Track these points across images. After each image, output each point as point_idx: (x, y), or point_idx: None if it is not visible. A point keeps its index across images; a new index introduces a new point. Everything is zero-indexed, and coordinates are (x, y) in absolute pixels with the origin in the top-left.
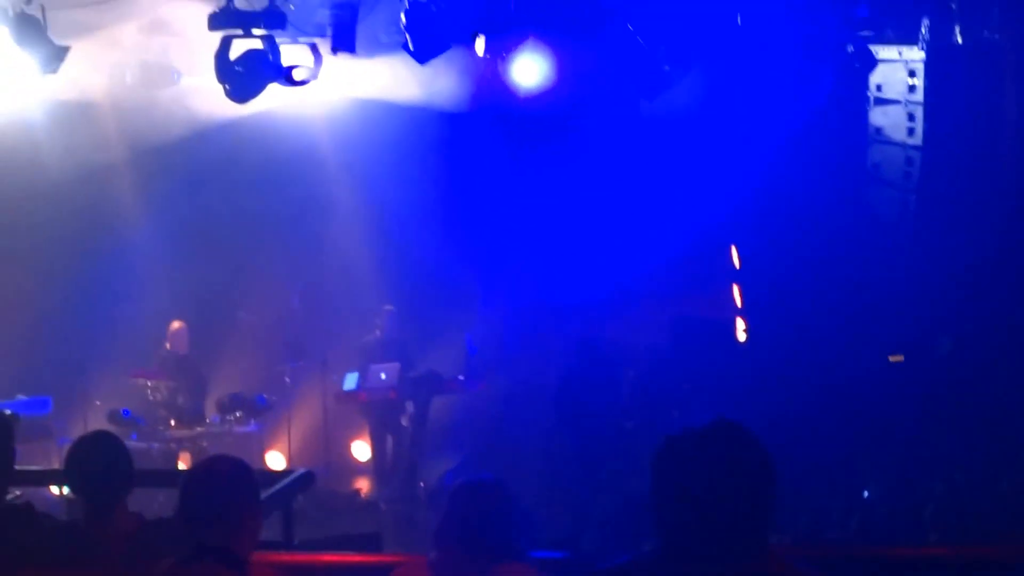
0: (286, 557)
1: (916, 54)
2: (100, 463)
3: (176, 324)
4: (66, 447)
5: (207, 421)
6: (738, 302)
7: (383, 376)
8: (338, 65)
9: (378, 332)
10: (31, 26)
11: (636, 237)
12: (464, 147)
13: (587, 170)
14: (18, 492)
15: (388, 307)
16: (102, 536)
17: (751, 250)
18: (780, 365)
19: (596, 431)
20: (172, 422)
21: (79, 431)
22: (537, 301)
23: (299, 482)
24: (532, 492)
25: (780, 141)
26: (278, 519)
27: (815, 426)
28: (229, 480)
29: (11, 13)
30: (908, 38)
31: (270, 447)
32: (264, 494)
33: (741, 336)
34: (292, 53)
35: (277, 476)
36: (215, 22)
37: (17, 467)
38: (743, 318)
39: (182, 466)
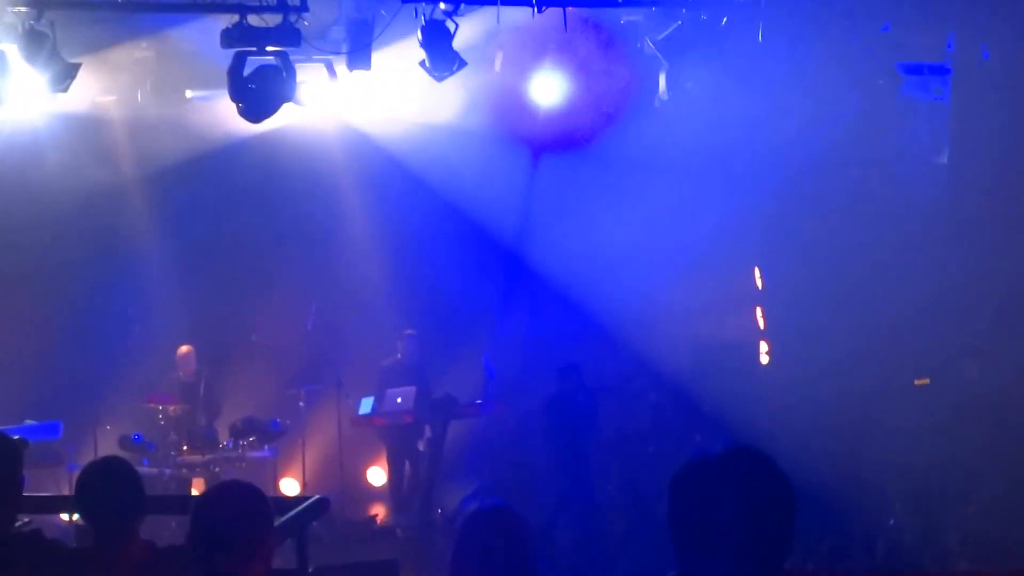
0: None
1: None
2: (111, 490)
3: (183, 348)
4: (76, 473)
5: (220, 446)
6: (761, 324)
7: (399, 400)
8: (354, 83)
9: (399, 356)
10: (41, 43)
11: (658, 257)
12: (482, 166)
13: (607, 189)
14: (27, 519)
15: (409, 331)
16: (112, 564)
17: (774, 271)
18: (803, 388)
19: (580, 452)
20: (184, 447)
21: (89, 456)
22: (556, 324)
23: (313, 509)
24: (551, 517)
25: (804, 159)
26: (292, 546)
27: (840, 450)
28: (240, 507)
29: (20, 29)
30: (934, 54)
31: (284, 473)
32: (277, 521)
33: (764, 359)
34: (307, 71)
35: (291, 502)
36: (228, 39)
37: (26, 493)
38: (766, 341)
39: (195, 492)
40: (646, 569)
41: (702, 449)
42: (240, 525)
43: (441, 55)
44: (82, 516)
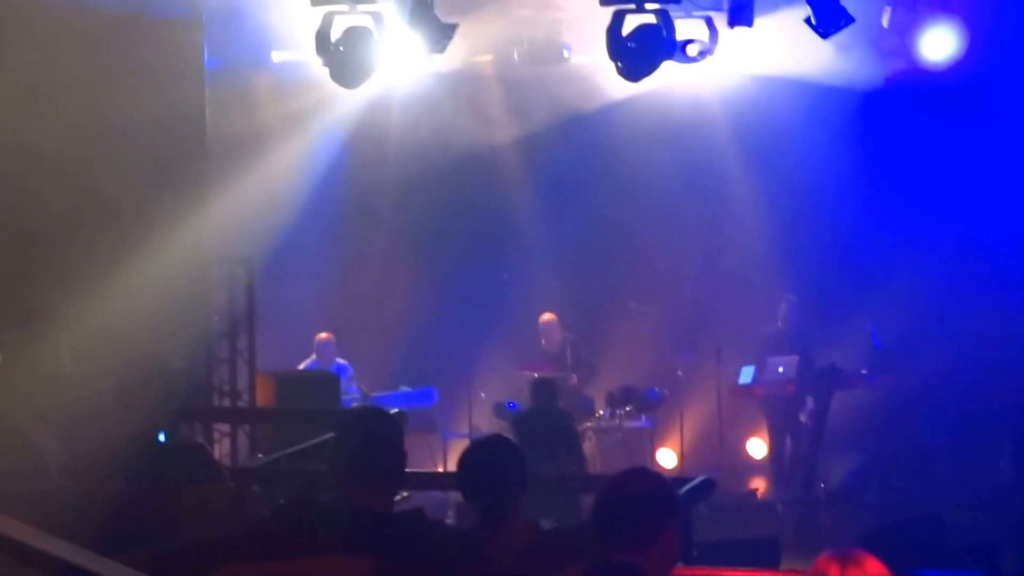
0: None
1: None
2: (495, 469)
3: (546, 316)
4: (450, 442)
5: (596, 415)
6: None
7: (781, 370)
8: (735, 40)
9: (779, 323)
10: (419, 4)
11: None
12: (871, 124)
13: (1004, 145)
14: (405, 494)
15: (790, 297)
16: (496, 546)
17: None
18: None
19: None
20: None
21: (463, 424)
22: (953, 282)
23: (699, 490)
24: (944, 497)
25: None
26: None
27: None
28: (645, 495)
29: None
30: None
31: (661, 444)
32: None
33: None
34: (687, 27)
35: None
36: None
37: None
38: None
39: None
40: None
41: None
42: (642, 514)
43: (827, 11)
44: (465, 496)
